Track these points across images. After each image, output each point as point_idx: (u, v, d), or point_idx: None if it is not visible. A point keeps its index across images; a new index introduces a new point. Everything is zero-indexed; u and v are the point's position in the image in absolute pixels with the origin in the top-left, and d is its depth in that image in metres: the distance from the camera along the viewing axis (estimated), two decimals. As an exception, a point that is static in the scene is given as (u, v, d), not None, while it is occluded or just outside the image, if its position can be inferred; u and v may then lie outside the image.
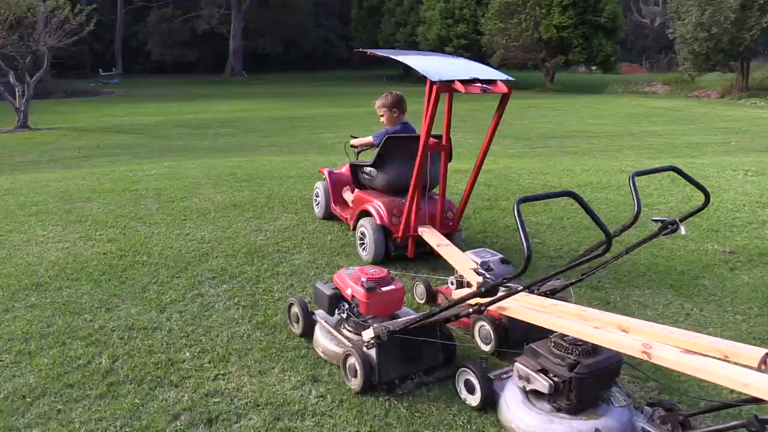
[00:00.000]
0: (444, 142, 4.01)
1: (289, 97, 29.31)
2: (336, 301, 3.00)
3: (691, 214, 2.97)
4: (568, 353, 2.40)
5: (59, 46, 14.60)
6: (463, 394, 2.70)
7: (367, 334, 2.73)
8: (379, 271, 2.98)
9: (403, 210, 4.06)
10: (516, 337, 2.97)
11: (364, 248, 4.32)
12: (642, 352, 2.18)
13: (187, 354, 2.91)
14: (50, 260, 4.14)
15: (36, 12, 13.40)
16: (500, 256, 3.35)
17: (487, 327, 3.07)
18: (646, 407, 2.43)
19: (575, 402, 2.36)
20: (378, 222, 4.16)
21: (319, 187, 5.28)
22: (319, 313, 3.14)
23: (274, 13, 47.97)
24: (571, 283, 3.12)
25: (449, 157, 4.06)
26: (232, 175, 7.03)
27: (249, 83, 39.98)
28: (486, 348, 3.09)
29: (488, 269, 3.04)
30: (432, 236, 3.93)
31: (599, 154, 11.01)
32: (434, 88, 3.49)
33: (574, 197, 2.35)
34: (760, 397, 1.86)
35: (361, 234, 4.33)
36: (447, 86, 3.48)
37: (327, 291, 3.04)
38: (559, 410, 2.40)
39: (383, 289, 2.88)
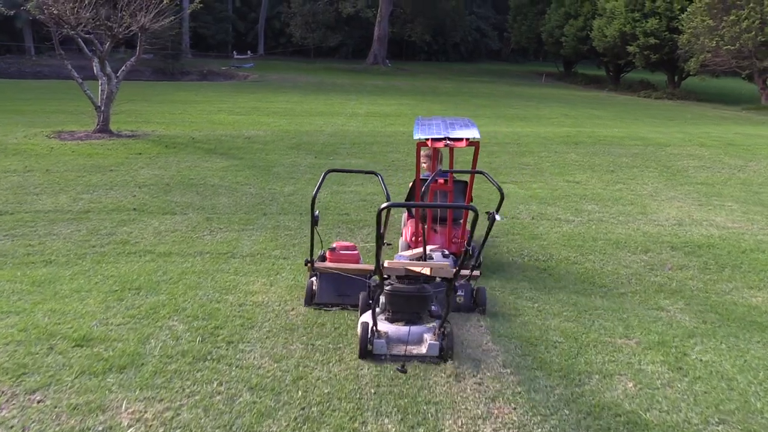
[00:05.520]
0: (450, 185, 4.97)
1: (434, 95, 24.71)
2: (323, 258, 4.36)
3: (498, 208, 4.18)
4: (391, 280, 3.55)
5: (154, 28, 10.92)
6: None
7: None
8: (349, 244, 4.40)
9: (420, 232, 4.78)
10: None
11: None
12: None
13: None
14: None
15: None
16: (444, 251, 4.58)
17: None
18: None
19: (390, 312, 3.55)
20: (403, 239, 5.17)
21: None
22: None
23: (426, -3, 43.49)
24: (473, 267, 4.18)
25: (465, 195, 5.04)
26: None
27: (391, 74, 35.90)
28: None
29: (430, 258, 4.16)
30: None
31: None
32: (417, 143, 4.83)
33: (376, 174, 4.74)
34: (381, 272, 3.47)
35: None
36: (423, 142, 4.73)
37: (320, 254, 4.47)
38: (386, 319, 3.57)
39: (341, 251, 4.27)
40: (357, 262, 4.32)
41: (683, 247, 5.85)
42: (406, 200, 4.95)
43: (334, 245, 4.35)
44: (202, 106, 17.50)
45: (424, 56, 49.69)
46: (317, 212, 4.13)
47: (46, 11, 9.60)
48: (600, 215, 6.98)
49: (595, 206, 7.40)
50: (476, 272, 4.16)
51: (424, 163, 5.38)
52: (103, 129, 11.31)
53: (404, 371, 3.22)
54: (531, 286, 4.65)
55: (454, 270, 3.34)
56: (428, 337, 3.41)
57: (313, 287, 4.10)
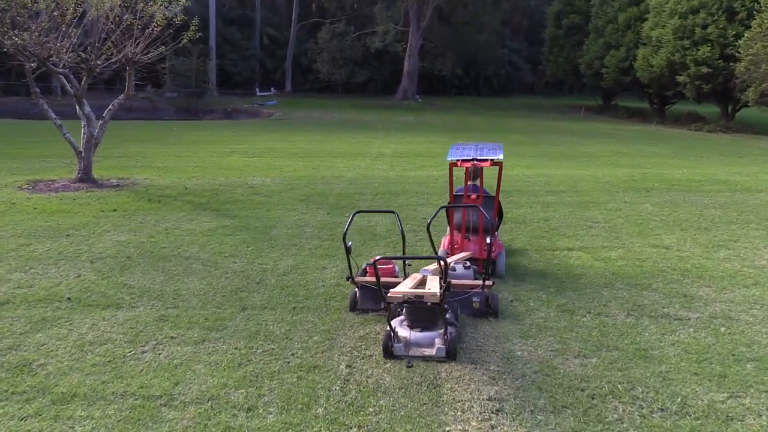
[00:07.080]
0: (478, 200, 5.67)
1: (468, 131, 22.84)
2: (364, 272, 5.05)
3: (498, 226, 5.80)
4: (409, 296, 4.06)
5: (143, 60, 9.28)
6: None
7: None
8: (387, 260, 4.90)
9: (456, 240, 5.77)
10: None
11: None
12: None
13: None
14: None
15: (99, 6, 8.10)
16: (467, 263, 5.11)
17: None
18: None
19: (409, 320, 4.13)
20: (443, 248, 5.81)
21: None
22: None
23: (457, 31, 41.95)
24: (484, 279, 4.71)
25: (498, 211, 5.82)
26: None
27: (420, 109, 34.27)
28: None
29: (453, 269, 4.88)
30: (457, 254, 5.61)
31: None
32: (449, 164, 5.71)
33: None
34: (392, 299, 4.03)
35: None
36: (454, 163, 5.64)
37: (362, 267, 5.17)
38: (407, 325, 4.14)
39: (379, 266, 4.52)
40: (393, 275, 5.00)
41: None
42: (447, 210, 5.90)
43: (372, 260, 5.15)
44: (214, 147, 15.92)
45: (455, 91, 48.10)
46: (350, 243, 4.76)
47: (7, 42, 8.02)
48: (723, 306, 4.87)
49: (708, 289, 5.28)
50: (488, 282, 4.67)
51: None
52: (84, 178, 9.66)
53: (410, 365, 3.79)
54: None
55: (441, 295, 3.90)
56: (438, 342, 3.95)
57: (356, 297, 4.72)
